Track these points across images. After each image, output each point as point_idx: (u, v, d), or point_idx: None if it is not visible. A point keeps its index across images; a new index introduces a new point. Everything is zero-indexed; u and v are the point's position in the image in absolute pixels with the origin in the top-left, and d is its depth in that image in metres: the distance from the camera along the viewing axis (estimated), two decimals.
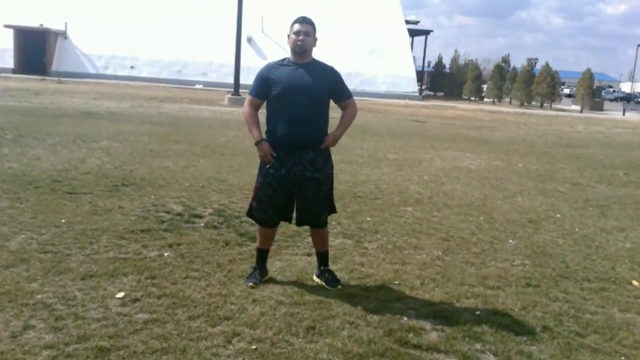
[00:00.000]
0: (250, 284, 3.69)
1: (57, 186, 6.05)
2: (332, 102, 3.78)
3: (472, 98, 43.45)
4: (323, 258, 3.93)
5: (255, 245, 3.99)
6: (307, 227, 3.96)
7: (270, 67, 3.68)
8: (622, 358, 3.09)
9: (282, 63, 3.67)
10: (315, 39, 3.67)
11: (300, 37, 3.56)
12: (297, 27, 3.60)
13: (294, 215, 3.83)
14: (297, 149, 3.61)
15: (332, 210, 3.95)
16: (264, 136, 3.69)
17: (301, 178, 3.64)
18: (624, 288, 4.16)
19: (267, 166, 3.64)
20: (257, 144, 3.66)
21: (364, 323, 3.27)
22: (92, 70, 34.85)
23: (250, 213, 3.87)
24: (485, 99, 43.73)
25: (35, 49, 34.11)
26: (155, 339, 2.91)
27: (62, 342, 2.81)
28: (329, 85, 3.67)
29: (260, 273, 3.81)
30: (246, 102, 3.75)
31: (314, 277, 3.91)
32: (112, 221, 4.93)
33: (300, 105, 3.55)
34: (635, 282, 4.28)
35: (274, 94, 3.59)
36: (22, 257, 3.91)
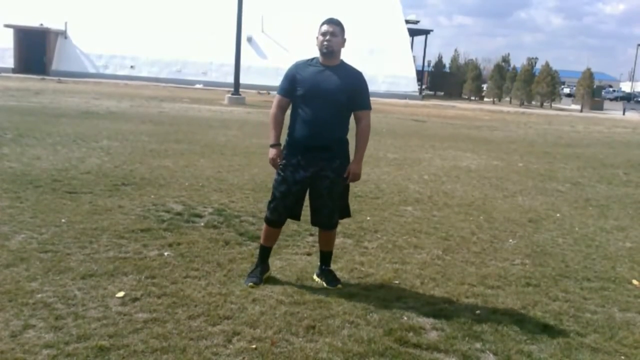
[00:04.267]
0: (250, 283, 3.68)
1: (57, 185, 6.05)
2: None
3: (472, 97, 43.45)
4: (326, 258, 3.93)
5: (259, 242, 3.97)
6: (308, 227, 3.97)
7: (298, 66, 3.67)
8: (622, 357, 3.09)
9: (310, 63, 3.66)
10: (344, 40, 3.65)
11: (327, 38, 3.55)
12: (324, 27, 3.59)
13: (302, 214, 3.82)
14: (315, 149, 3.61)
15: (346, 214, 3.93)
16: (286, 137, 3.69)
17: (316, 177, 3.63)
18: (623, 287, 4.16)
19: (285, 162, 3.64)
20: (270, 146, 3.69)
21: (364, 322, 3.27)
22: (92, 70, 34.83)
23: (265, 217, 3.83)
24: (485, 99, 43.72)
25: (35, 49, 34.10)
26: (155, 338, 2.91)
27: (62, 342, 2.81)
28: (352, 89, 3.63)
29: (261, 271, 3.81)
30: (274, 102, 3.74)
31: (314, 276, 3.91)
32: (112, 220, 4.93)
33: (322, 108, 3.55)
34: (635, 282, 4.28)
35: (298, 94, 3.59)
36: (22, 256, 3.91)
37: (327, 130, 3.60)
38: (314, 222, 3.84)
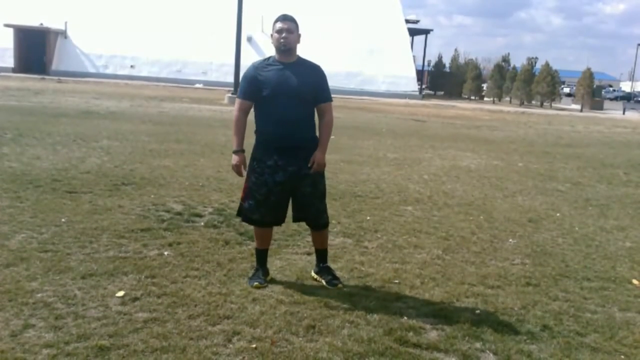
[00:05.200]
0: (256, 283, 3.67)
1: (57, 185, 6.05)
2: None
3: (472, 97, 43.44)
4: (322, 255, 3.93)
5: (254, 245, 3.98)
6: (308, 226, 3.96)
7: (257, 68, 3.65)
8: (622, 357, 3.09)
9: (267, 62, 3.65)
10: (299, 36, 3.66)
11: (283, 35, 3.56)
12: (279, 25, 3.59)
13: (289, 214, 3.81)
14: (290, 149, 3.61)
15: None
16: (256, 139, 3.68)
17: (297, 177, 3.63)
18: (624, 287, 4.16)
19: (262, 165, 3.63)
20: (234, 152, 3.69)
21: (364, 322, 3.27)
22: (92, 70, 34.83)
23: (240, 212, 3.85)
24: (485, 98, 43.70)
25: (35, 48, 34.10)
26: (155, 338, 2.91)
27: (62, 341, 2.81)
28: (314, 83, 3.65)
29: (263, 273, 3.81)
30: (236, 106, 3.72)
31: (312, 273, 3.91)
32: (112, 220, 4.93)
33: (289, 107, 3.55)
34: (635, 281, 4.28)
35: (264, 94, 3.58)
36: (22, 256, 3.91)
37: (299, 129, 3.61)
38: (298, 219, 3.82)
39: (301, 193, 3.69)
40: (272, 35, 3.64)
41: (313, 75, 3.66)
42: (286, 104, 3.55)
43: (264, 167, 3.63)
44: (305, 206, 3.74)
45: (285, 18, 3.62)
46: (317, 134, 3.72)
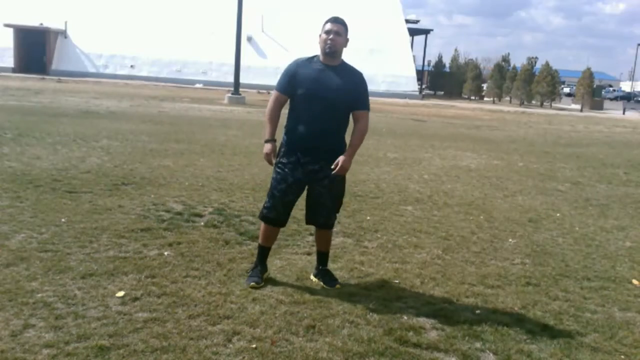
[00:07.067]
0: (252, 283, 3.67)
1: (57, 185, 6.05)
2: None
3: (472, 97, 43.45)
4: (323, 258, 3.92)
5: (257, 242, 3.95)
6: (308, 226, 3.96)
7: (299, 65, 3.62)
8: (622, 357, 3.09)
9: (311, 61, 3.61)
10: (347, 40, 3.60)
11: (331, 37, 3.50)
12: (328, 26, 3.55)
13: (302, 213, 3.81)
14: (315, 150, 3.59)
15: (337, 211, 3.92)
16: (283, 136, 3.68)
17: (315, 177, 3.62)
18: (624, 287, 4.16)
19: (284, 160, 3.62)
20: (265, 142, 3.67)
21: (364, 322, 3.27)
22: (92, 69, 34.84)
23: (261, 214, 3.80)
24: (485, 98, 43.72)
25: (35, 48, 34.12)
26: (155, 338, 2.91)
27: (62, 341, 2.81)
28: (352, 90, 3.60)
29: (261, 270, 3.80)
30: (271, 97, 3.70)
31: (312, 277, 3.90)
32: (112, 220, 4.93)
33: (323, 108, 3.52)
34: (635, 281, 4.28)
35: (299, 93, 3.55)
36: (22, 256, 3.91)
37: (328, 131, 3.58)
38: (311, 221, 3.82)
39: (317, 191, 3.66)
40: (320, 36, 3.58)
41: (353, 81, 3.62)
42: (319, 105, 3.52)
43: (285, 164, 3.62)
44: (317, 206, 3.72)
45: (336, 20, 3.57)
46: (346, 140, 3.69)
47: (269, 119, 3.68)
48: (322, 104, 3.52)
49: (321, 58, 3.60)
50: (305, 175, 3.61)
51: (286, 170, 3.62)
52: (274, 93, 3.69)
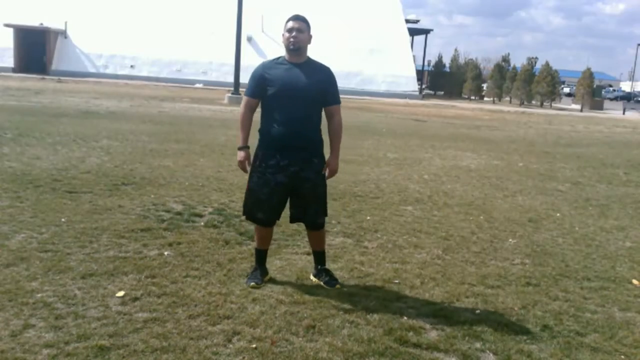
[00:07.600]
0: (253, 283, 3.68)
1: (57, 185, 6.05)
2: None
3: (472, 97, 43.44)
4: (320, 257, 3.92)
5: (254, 245, 3.98)
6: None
7: (265, 66, 3.66)
8: (622, 357, 3.09)
9: (277, 62, 3.65)
10: (310, 37, 3.64)
11: (294, 34, 3.54)
12: (290, 24, 3.59)
13: (286, 213, 3.81)
14: (292, 149, 3.60)
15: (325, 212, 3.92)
16: (259, 138, 3.69)
17: (298, 178, 3.63)
18: (624, 287, 4.16)
19: (264, 164, 3.63)
20: (239, 149, 3.70)
21: (364, 322, 3.27)
22: (92, 70, 34.83)
23: (245, 211, 3.83)
24: (485, 98, 43.71)
25: (35, 48, 34.10)
26: (155, 338, 2.91)
27: (62, 341, 2.81)
28: (322, 85, 3.64)
29: (261, 273, 3.81)
30: (242, 103, 3.75)
31: (311, 277, 3.90)
32: (112, 220, 4.93)
33: (295, 106, 3.55)
34: (635, 281, 4.28)
35: (269, 93, 3.58)
36: (22, 256, 3.91)
37: (303, 129, 3.60)
38: (295, 218, 3.81)
39: (301, 194, 3.69)
40: (283, 35, 3.63)
41: (321, 77, 3.65)
42: (291, 103, 3.54)
43: (265, 167, 3.63)
44: (303, 206, 3.73)
45: (297, 18, 3.62)
46: (322, 135, 3.70)
47: (242, 126, 3.72)
48: (293, 102, 3.54)
49: (287, 57, 3.63)
50: (286, 177, 3.61)
51: (267, 175, 3.62)
52: (244, 99, 3.73)
